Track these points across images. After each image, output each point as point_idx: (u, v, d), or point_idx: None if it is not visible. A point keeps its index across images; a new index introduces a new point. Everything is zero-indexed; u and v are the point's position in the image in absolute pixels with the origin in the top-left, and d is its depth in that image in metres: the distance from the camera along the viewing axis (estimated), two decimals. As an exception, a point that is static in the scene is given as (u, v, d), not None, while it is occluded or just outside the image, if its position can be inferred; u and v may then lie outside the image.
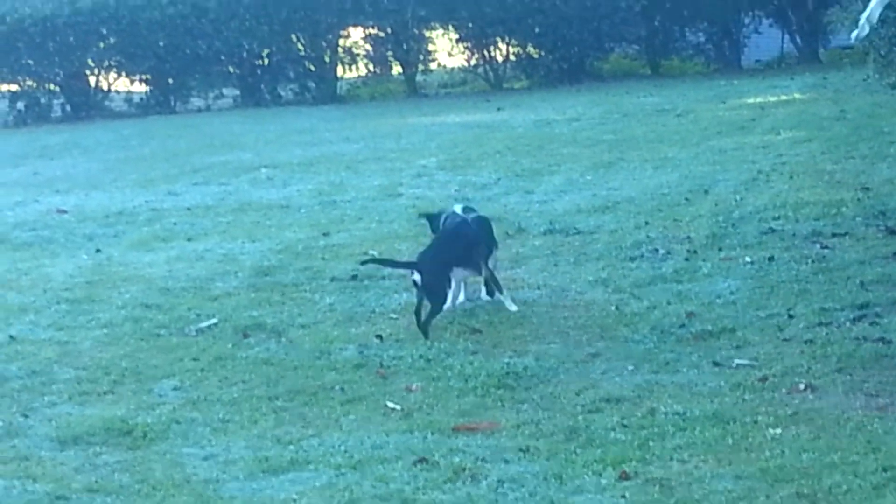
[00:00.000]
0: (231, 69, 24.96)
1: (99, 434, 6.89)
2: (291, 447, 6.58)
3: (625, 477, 5.94)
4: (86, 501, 6.09)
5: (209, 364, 8.04)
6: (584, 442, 6.43)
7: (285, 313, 9.05)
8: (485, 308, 8.88)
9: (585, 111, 18.67)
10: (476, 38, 24.97)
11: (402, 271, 9.22)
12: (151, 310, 9.30)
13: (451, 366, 7.70)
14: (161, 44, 24.40)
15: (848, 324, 7.97)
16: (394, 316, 8.83)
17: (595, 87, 22.65)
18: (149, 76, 25.04)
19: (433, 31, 25.13)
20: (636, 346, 7.92)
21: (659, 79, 23.87)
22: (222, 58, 24.62)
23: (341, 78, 25.38)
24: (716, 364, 7.46)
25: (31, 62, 24.80)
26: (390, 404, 7.15)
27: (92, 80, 25.37)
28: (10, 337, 8.80)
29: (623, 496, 5.78)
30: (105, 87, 25.47)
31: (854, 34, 9.96)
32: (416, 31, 24.80)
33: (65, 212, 13.29)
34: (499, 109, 20.24)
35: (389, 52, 25.26)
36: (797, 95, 18.56)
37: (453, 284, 8.71)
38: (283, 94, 24.93)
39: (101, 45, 24.77)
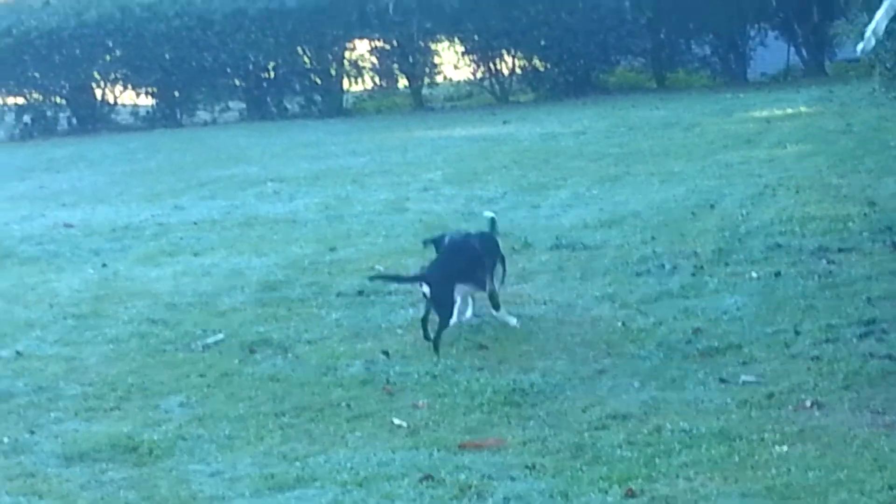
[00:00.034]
0: (237, 82, 24.89)
1: (105, 450, 6.89)
2: (298, 464, 6.58)
3: (631, 494, 5.94)
4: (92, 519, 6.11)
5: (216, 380, 8.05)
6: (590, 459, 6.42)
7: (292, 329, 9.05)
8: (491, 324, 8.88)
9: (591, 124, 18.65)
10: (482, 51, 24.92)
11: (409, 286, 9.23)
12: (158, 325, 9.31)
13: (457, 382, 7.70)
14: (167, 56, 24.32)
15: (855, 340, 7.95)
16: (400, 332, 8.84)
17: (601, 100, 22.62)
18: (155, 89, 24.95)
19: (439, 44, 25.07)
20: (642, 362, 7.91)
21: (665, 92, 23.83)
22: (228, 70, 24.54)
23: (347, 91, 25.29)
24: (722, 381, 7.45)
25: (37, 75, 24.72)
26: (396, 421, 7.14)
27: (98, 92, 25.31)
28: (17, 352, 8.82)
29: (629, 514, 5.79)
30: (111, 100, 25.40)
31: (860, 47, 9.97)
32: (421, 44, 24.75)
33: (71, 226, 13.28)
34: (505, 122, 20.21)
35: (395, 65, 25.23)
36: (803, 109, 18.51)
37: (458, 300, 8.71)
38: (289, 107, 24.84)
39: (108, 57, 24.70)
